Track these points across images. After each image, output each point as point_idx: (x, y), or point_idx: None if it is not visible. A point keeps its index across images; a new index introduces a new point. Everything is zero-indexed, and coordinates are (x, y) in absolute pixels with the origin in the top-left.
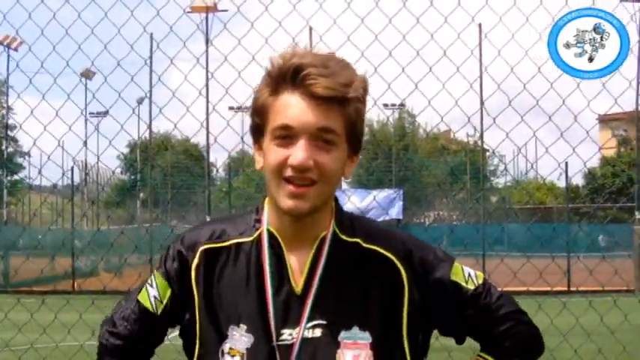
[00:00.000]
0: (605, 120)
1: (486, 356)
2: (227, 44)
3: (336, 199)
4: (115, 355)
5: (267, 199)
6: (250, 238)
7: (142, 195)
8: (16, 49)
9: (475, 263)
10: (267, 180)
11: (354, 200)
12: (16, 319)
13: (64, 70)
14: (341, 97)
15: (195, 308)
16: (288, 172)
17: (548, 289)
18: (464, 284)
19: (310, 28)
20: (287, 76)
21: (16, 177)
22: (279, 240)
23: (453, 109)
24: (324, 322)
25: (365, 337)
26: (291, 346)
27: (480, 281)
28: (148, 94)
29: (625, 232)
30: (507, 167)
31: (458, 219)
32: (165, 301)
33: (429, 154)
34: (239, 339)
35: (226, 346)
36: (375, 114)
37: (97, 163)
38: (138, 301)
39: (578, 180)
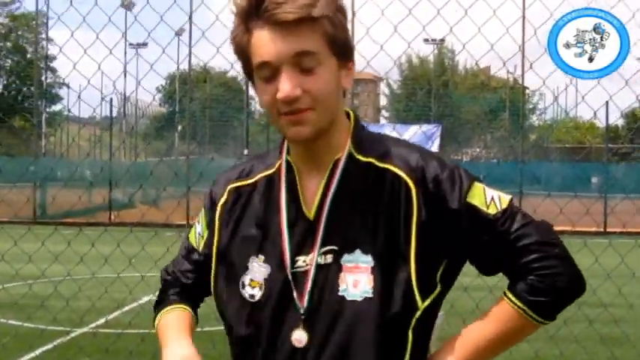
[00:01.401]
0: None
1: (508, 293)
2: None
3: (356, 117)
4: (167, 290)
5: None
6: (273, 170)
7: (180, 127)
8: None
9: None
10: (269, 118)
11: (393, 134)
12: (53, 250)
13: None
14: (308, 18)
15: (214, 245)
16: (282, 107)
17: (593, 229)
18: (483, 208)
19: None
20: (251, 11)
21: (54, 108)
22: (294, 168)
23: (498, 41)
24: (335, 248)
25: (367, 261)
26: (305, 273)
27: (504, 206)
28: (189, 21)
29: None
30: (547, 106)
31: (496, 156)
32: (205, 237)
33: (469, 91)
34: (258, 269)
35: (247, 278)
36: (414, 50)
37: (137, 91)
38: (187, 238)
39: (618, 120)
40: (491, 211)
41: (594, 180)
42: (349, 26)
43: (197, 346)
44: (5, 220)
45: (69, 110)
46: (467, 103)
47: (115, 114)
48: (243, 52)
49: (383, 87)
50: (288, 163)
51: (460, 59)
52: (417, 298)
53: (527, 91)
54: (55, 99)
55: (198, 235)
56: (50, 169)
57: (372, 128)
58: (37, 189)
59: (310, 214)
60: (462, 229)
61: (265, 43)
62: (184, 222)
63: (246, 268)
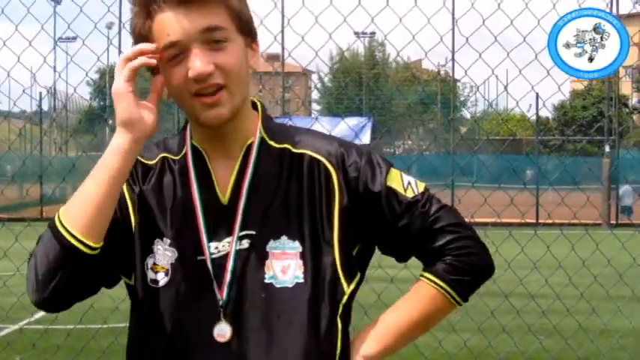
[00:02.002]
0: None
1: (427, 275)
2: None
3: (262, 106)
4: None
5: None
6: (177, 157)
7: (110, 122)
8: None
9: (444, 192)
10: (178, 103)
11: (323, 126)
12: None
13: None
14: None
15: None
16: (194, 87)
17: (519, 220)
18: (401, 191)
19: None
20: None
21: None
22: (203, 153)
23: (424, 36)
24: (253, 233)
25: (294, 247)
26: (220, 259)
27: (420, 190)
28: (118, 18)
29: (594, 166)
30: (478, 97)
31: (428, 148)
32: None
33: (400, 84)
34: (163, 254)
35: (150, 262)
36: (345, 43)
37: (66, 86)
38: None
39: (548, 113)
40: (409, 194)
41: (528, 172)
42: (279, 16)
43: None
44: None
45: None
46: (398, 96)
47: (45, 108)
48: (145, 39)
49: (315, 80)
50: (195, 147)
51: (391, 52)
52: (343, 282)
53: (458, 83)
54: None
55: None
56: None
57: (303, 121)
58: None
59: (224, 199)
60: (380, 211)
61: (171, 23)
62: None
63: (151, 251)
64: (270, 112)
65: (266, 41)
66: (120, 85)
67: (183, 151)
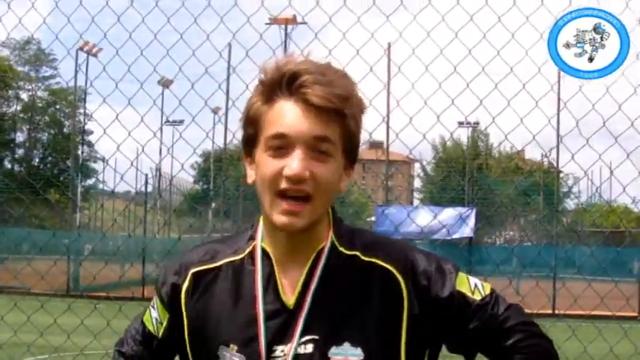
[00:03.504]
0: None
1: None
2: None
3: (334, 211)
4: None
5: (261, 216)
6: (242, 255)
7: (214, 205)
8: (95, 55)
9: (543, 285)
10: (260, 194)
11: (426, 217)
12: (91, 324)
13: (150, 75)
14: (337, 110)
15: (184, 332)
16: (283, 184)
17: (630, 314)
18: (470, 294)
19: (389, 45)
20: (282, 84)
21: (89, 182)
22: (272, 256)
23: (540, 132)
24: (317, 337)
25: (356, 354)
26: None
27: (487, 292)
28: (225, 105)
29: None
30: (581, 189)
31: (529, 239)
32: (164, 324)
33: (503, 174)
34: (230, 359)
35: None
36: (447, 132)
37: (171, 169)
38: (143, 322)
39: None
40: (477, 296)
41: (636, 265)
42: (384, 101)
43: None
44: (40, 292)
45: (104, 183)
46: (501, 186)
47: (149, 189)
48: (255, 119)
49: (417, 169)
50: (263, 250)
51: (494, 142)
52: None
53: (561, 174)
54: (91, 173)
55: (155, 320)
56: (86, 242)
57: (407, 209)
58: (70, 262)
59: (290, 302)
60: (452, 315)
61: (289, 116)
62: None
63: (217, 357)
64: (374, 198)
65: (372, 124)
66: None
67: (247, 251)
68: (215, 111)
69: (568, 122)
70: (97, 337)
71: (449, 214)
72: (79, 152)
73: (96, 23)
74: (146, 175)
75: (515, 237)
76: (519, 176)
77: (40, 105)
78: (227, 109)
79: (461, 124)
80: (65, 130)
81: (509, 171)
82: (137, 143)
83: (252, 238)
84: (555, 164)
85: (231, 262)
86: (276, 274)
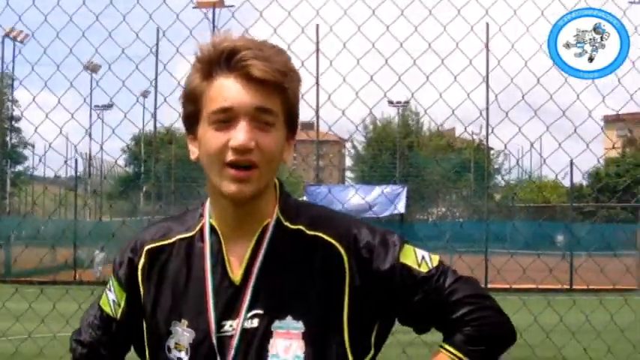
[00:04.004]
0: (609, 120)
1: (447, 346)
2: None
3: (282, 186)
4: None
5: (209, 192)
6: (192, 233)
7: (145, 188)
8: (22, 42)
9: (480, 260)
10: (206, 168)
11: (356, 196)
12: (14, 309)
13: (68, 61)
14: (278, 83)
15: (141, 309)
16: (230, 156)
17: (556, 286)
18: (415, 267)
19: (317, 23)
20: (221, 60)
21: (19, 168)
22: (219, 232)
23: (459, 106)
24: (262, 312)
25: (297, 327)
26: (231, 337)
27: (435, 264)
28: (154, 85)
29: (629, 232)
30: (512, 165)
31: (462, 216)
32: (122, 305)
33: (434, 152)
34: (182, 334)
35: (172, 342)
36: (378, 111)
37: (101, 153)
38: (99, 306)
39: (581, 179)
40: (423, 269)
41: (559, 239)
42: (314, 90)
43: None
44: None
45: (33, 169)
46: (432, 164)
47: (79, 173)
48: (195, 97)
49: (348, 148)
50: (211, 226)
51: (424, 121)
52: None
53: (491, 151)
54: (20, 159)
55: (112, 302)
56: (14, 228)
57: (338, 189)
58: (0, 248)
59: (237, 278)
60: (395, 288)
61: (230, 90)
62: None
63: (170, 333)
64: (305, 179)
65: (302, 110)
66: None
67: (197, 228)
68: (144, 94)
69: (497, 98)
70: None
71: (379, 192)
72: (7, 139)
73: (12, 8)
74: (75, 158)
75: (448, 214)
76: (450, 154)
77: None
78: (156, 90)
79: (390, 103)
80: None
81: (440, 149)
82: (61, 127)
83: (202, 215)
84: (486, 142)
85: (183, 238)
86: (224, 250)
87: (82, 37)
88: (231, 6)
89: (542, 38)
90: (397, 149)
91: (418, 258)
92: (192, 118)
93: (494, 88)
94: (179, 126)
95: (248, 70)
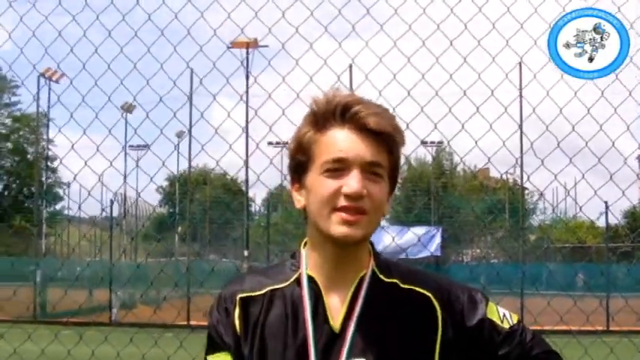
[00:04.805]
0: None
1: None
2: (268, 81)
3: (372, 243)
4: None
5: (305, 244)
6: (287, 283)
7: (180, 229)
8: (57, 82)
9: (513, 302)
10: (314, 214)
11: (394, 237)
12: (53, 352)
13: (105, 104)
14: (390, 138)
15: (242, 357)
16: (342, 202)
17: (592, 328)
18: (499, 323)
19: (350, 67)
20: (335, 113)
21: (55, 208)
22: (318, 282)
23: (495, 154)
24: None
25: None
26: None
27: (515, 321)
28: (188, 130)
29: None
30: (554, 206)
31: (496, 257)
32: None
33: (468, 192)
34: None
35: None
36: (412, 151)
37: (137, 198)
38: None
39: (617, 220)
40: (506, 325)
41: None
42: None
43: None
44: (6, 320)
45: (69, 210)
46: (466, 206)
47: (115, 214)
48: (307, 147)
49: None
50: (309, 276)
51: (458, 161)
52: None
53: (525, 191)
54: (56, 199)
55: None
56: (53, 269)
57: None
58: (37, 289)
59: (337, 326)
60: (483, 342)
61: (346, 141)
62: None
63: None
64: None
65: None
66: None
67: (292, 279)
68: (179, 135)
69: (531, 137)
70: None
71: (415, 233)
72: (43, 178)
73: (49, 54)
74: (111, 201)
75: (482, 254)
76: (484, 194)
77: (2, 132)
78: (190, 136)
79: (424, 143)
80: (29, 156)
81: (474, 189)
82: (100, 169)
83: (297, 266)
84: (520, 181)
85: (278, 289)
86: (324, 298)
87: (120, 84)
88: (266, 46)
89: (577, 83)
90: (431, 190)
91: (500, 315)
92: (300, 168)
93: (530, 130)
94: (214, 165)
95: (364, 122)
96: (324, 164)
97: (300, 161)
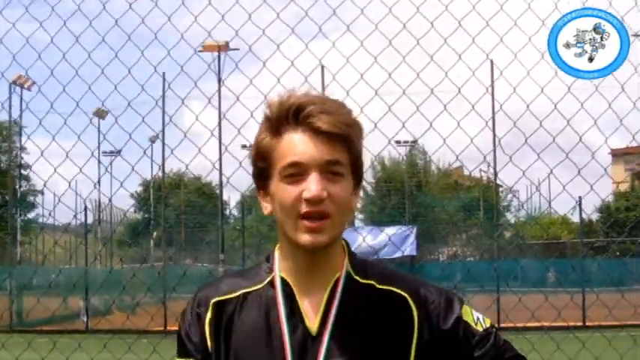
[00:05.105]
0: (617, 154)
1: None
2: (239, 83)
3: (346, 243)
4: None
5: (277, 247)
6: (261, 285)
7: (155, 234)
8: (29, 89)
9: (490, 300)
10: (281, 222)
11: (367, 238)
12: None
13: (75, 110)
14: (345, 135)
15: None
16: (304, 208)
17: (565, 324)
18: (473, 325)
19: (322, 67)
20: (289, 116)
21: (28, 216)
22: (291, 285)
23: (463, 151)
24: None
25: None
26: None
27: (488, 325)
28: (160, 135)
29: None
30: (522, 203)
31: (472, 255)
32: None
33: (442, 191)
34: None
35: None
36: (386, 151)
37: (110, 203)
38: None
39: (587, 214)
40: (479, 328)
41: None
42: None
43: None
44: None
45: (44, 217)
46: (441, 203)
47: (90, 220)
48: (266, 154)
49: None
50: (282, 279)
51: (433, 158)
52: None
53: (500, 189)
54: (29, 207)
55: None
56: (25, 278)
57: (348, 231)
58: (12, 297)
59: (313, 328)
60: (457, 343)
61: (300, 145)
62: (162, 328)
63: None
64: None
65: None
66: None
67: (266, 282)
68: (152, 140)
69: (506, 142)
70: None
71: (389, 233)
72: (17, 186)
73: (17, 62)
74: (85, 207)
75: (458, 253)
76: (459, 192)
77: None
78: (163, 140)
79: (398, 142)
80: (1, 165)
81: (449, 187)
82: (71, 175)
83: (271, 269)
84: (494, 181)
85: (252, 291)
86: (298, 301)
87: (88, 90)
88: (237, 49)
89: (543, 79)
90: (405, 189)
91: (474, 318)
92: (262, 175)
93: (501, 126)
94: (187, 171)
95: (315, 124)
96: (282, 170)
97: (261, 168)
